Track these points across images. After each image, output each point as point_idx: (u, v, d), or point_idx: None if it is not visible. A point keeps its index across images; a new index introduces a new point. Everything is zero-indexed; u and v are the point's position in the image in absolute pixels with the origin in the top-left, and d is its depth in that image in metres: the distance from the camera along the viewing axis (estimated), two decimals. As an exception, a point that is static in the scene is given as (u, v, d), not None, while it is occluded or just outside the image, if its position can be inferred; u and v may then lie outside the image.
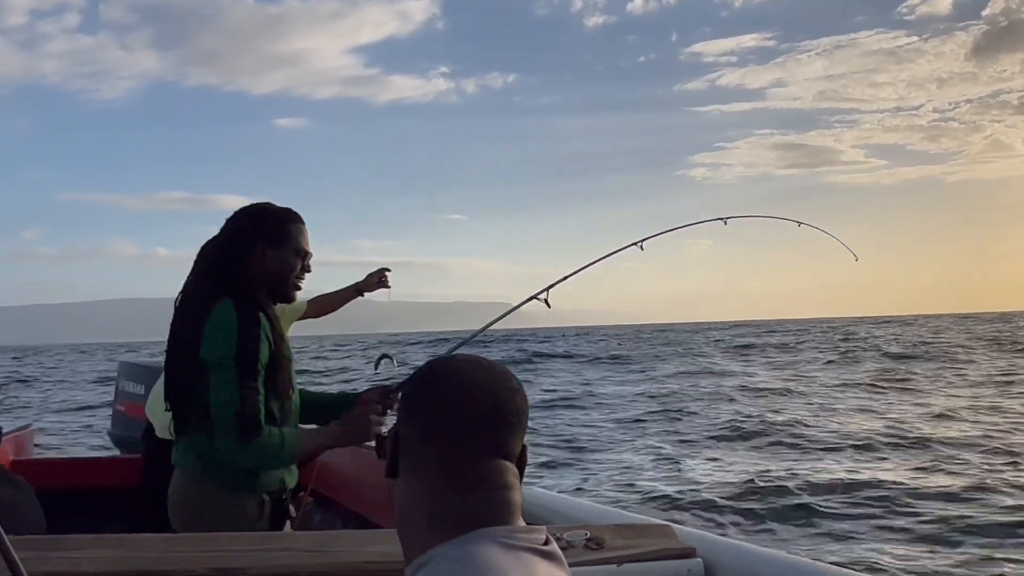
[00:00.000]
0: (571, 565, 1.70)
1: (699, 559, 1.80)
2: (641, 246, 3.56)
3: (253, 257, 2.39)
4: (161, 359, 2.60)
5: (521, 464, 1.11)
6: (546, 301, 3.48)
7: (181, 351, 2.37)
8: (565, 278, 3.53)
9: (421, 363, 1.20)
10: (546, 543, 1.07)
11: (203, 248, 2.45)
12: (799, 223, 4.07)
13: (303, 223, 2.49)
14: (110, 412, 5.00)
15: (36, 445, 4.90)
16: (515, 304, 3.50)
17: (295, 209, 2.52)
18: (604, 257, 3.65)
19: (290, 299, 2.51)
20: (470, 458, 1.05)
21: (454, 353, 1.16)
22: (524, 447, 1.11)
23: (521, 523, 1.07)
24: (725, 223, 3.82)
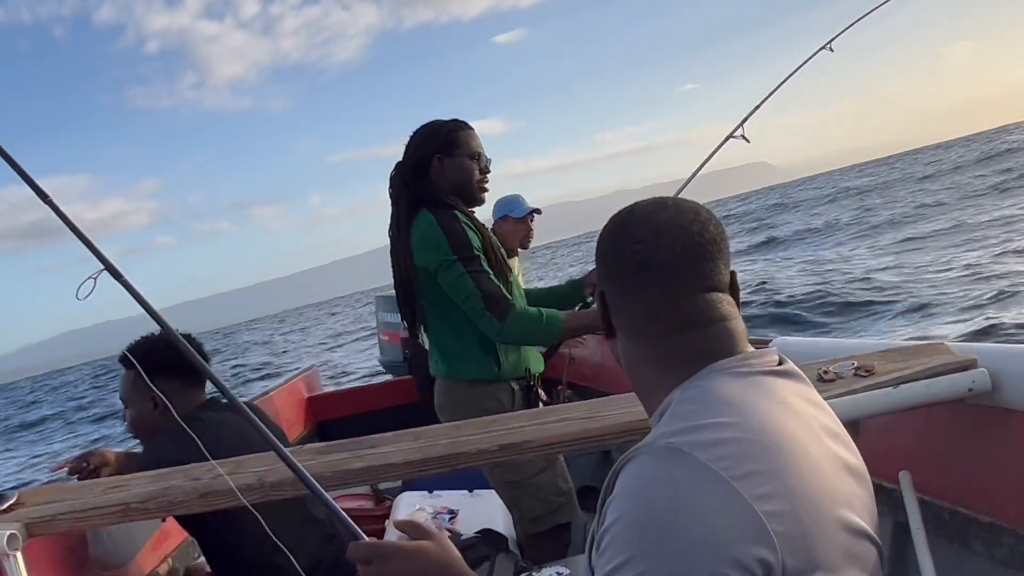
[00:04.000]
0: (843, 395, 1.70)
1: (983, 369, 1.72)
2: (831, 48, 3.35)
3: (432, 170, 2.52)
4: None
5: (734, 291, 1.09)
6: (743, 136, 3.38)
7: (400, 268, 2.56)
8: (758, 106, 3.39)
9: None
10: (780, 363, 1.06)
11: (391, 176, 2.61)
12: None
13: (471, 128, 2.60)
14: (376, 343, 5.46)
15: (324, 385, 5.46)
16: (713, 149, 3.42)
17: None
18: (794, 72, 3.46)
19: (479, 201, 2.63)
20: (677, 299, 1.04)
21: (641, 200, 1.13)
22: (733, 274, 1.09)
23: (749, 348, 1.06)
24: None
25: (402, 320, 2.69)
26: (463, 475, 3.49)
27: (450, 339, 2.58)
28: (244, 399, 4.39)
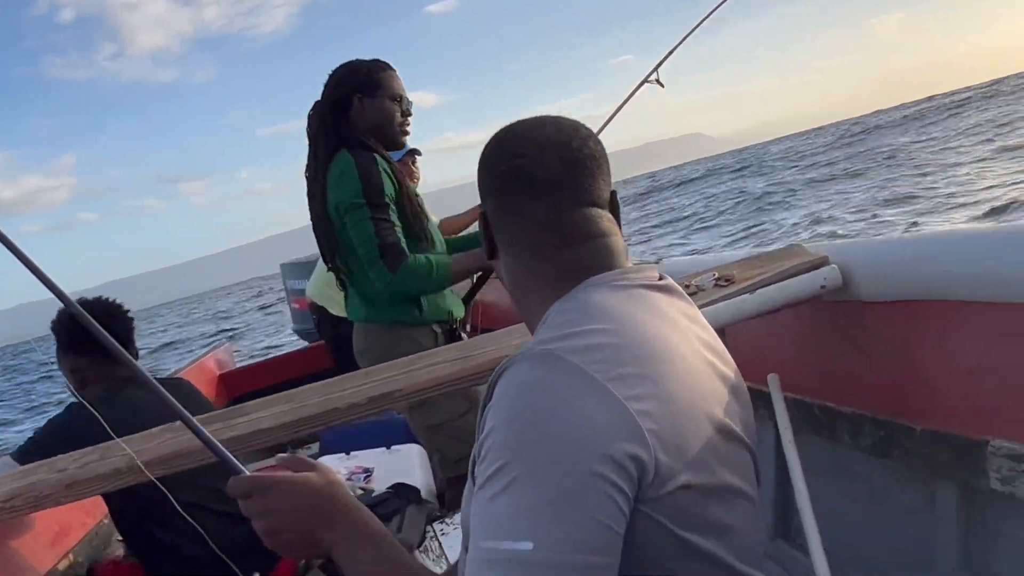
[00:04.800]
0: (704, 305, 1.71)
1: (833, 266, 1.75)
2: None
3: (352, 111, 2.46)
4: (313, 254, 2.77)
5: (615, 210, 1.09)
6: (658, 81, 3.39)
7: (316, 211, 2.50)
8: (673, 49, 3.41)
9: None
10: (660, 279, 1.06)
11: (309, 116, 2.54)
12: None
13: (393, 69, 2.54)
14: (288, 312, 5.37)
15: (236, 350, 5.37)
16: (629, 94, 3.42)
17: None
18: (701, 21, 3.49)
19: (399, 144, 2.57)
20: (558, 213, 1.04)
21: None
22: (613, 193, 1.09)
23: (629, 264, 1.06)
24: None
25: (325, 263, 2.63)
26: (384, 432, 3.49)
27: (369, 282, 2.52)
28: (167, 374, 4.30)
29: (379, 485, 3.08)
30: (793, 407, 1.83)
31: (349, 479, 3.16)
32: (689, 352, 0.97)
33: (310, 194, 2.53)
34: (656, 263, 2.50)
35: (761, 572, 0.99)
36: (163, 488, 1.67)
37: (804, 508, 1.62)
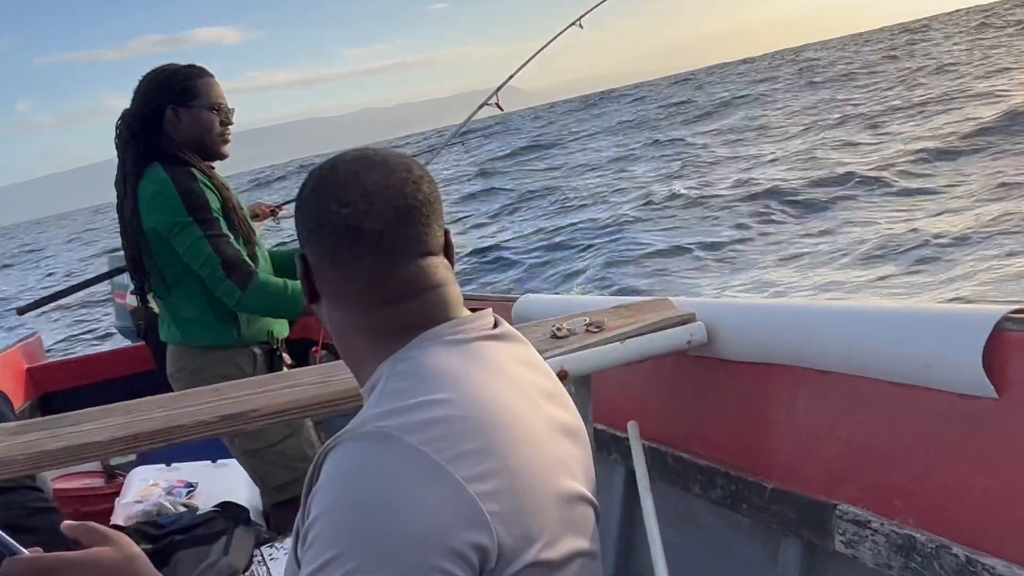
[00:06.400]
0: (576, 350, 1.72)
1: (700, 323, 1.80)
2: (580, 24, 3.46)
3: (166, 122, 2.32)
4: None
5: (448, 253, 1.02)
6: (497, 105, 3.43)
7: (127, 228, 2.34)
8: (510, 78, 3.47)
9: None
10: (495, 326, 1.01)
11: (117, 125, 2.37)
12: None
13: (211, 75, 2.39)
14: (112, 307, 5.01)
15: (47, 352, 4.94)
16: (465, 118, 3.46)
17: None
18: (544, 47, 3.56)
19: (220, 155, 2.44)
20: (390, 269, 0.96)
21: (343, 153, 1.04)
22: (447, 232, 1.02)
23: (464, 313, 1.00)
24: None
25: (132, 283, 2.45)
26: (208, 444, 3.29)
27: (184, 304, 2.38)
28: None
29: (203, 502, 2.91)
30: (650, 455, 1.87)
31: (170, 493, 2.96)
32: (529, 412, 0.95)
33: (119, 208, 2.36)
34: (513, 300, 2.50)
35: None
36: None
37: (657, 556, 1.65)
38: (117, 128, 2.35)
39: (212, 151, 2.39)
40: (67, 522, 0.96)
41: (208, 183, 2.31)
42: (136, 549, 0.96)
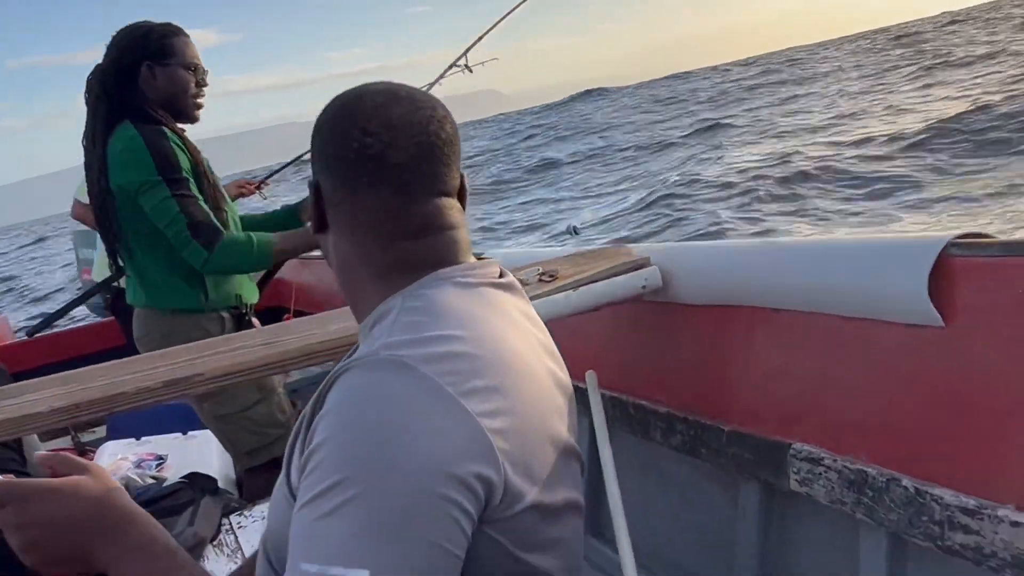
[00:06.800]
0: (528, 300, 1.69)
1: (655, 267, 1.77)
2: None
3: (140, 79, 2.25)
4: None
5: (462, 198, 1.01)
6: (466, 67, 3.37)
7: (96, 186, 2.28)
8: (479, 38, 3.41)
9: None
10: (501, 275, 1.01)
11: (88, 80, 2.30)
12: None
13: (187, 35, 2.33)
14: (79, 283, 4.94)
15: (16, 332, 4.89)
16: (435, 78, 3.40)
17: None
18: (509, 13, 3.51)
19: (192, 118, 2.37)
20: (407, 203, 0.95)
21: (369, 83, 1.02)
22: (462, 177, 1.01)
23: (472, 259, 1.00)
24: None
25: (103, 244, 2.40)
26: (179, 416, 3.25)
27: (151, 266, 2.33)
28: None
29: (173, 474, 2.87)
30: (608, 404, 1.84)
31: (139, 467, 2.93)
32: (534, 361, 0.94)
33: (87, 166, 2.30)
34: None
35: None
36: None
37: (615, 506, 1.63)
38: (88, 83, 2.28)
39: (185, 112, 2.32)
40: (41, 452, 0.94)
41: (179, 143, 2.25)
42: (114, 482, 0.94)
